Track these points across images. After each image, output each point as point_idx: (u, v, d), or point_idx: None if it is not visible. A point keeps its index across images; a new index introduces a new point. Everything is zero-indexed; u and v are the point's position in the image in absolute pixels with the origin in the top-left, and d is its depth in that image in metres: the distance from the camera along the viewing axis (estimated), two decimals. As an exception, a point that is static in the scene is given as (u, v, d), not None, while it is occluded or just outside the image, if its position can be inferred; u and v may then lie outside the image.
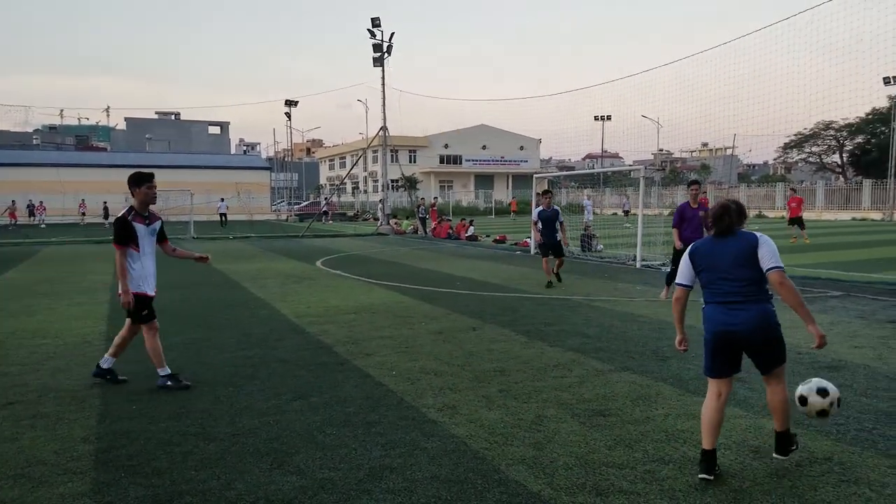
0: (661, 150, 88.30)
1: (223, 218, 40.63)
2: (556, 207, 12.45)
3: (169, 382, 5.62)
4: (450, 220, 30.36)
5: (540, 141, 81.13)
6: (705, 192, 9.81)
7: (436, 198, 40.89)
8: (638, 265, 15.10)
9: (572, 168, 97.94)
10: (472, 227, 26.60)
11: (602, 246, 19.08)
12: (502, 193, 69.88)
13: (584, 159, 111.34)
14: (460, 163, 76.00)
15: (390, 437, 4.42)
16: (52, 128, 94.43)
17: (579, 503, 3.42)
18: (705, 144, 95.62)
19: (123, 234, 5.54)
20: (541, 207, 12.45)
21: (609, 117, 76.73)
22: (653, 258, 15.54)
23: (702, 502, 3.41)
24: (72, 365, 6.50)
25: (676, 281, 4.03)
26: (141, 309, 5.62)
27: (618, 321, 8.47)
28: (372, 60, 33.84)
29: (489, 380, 5.79)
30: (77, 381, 5.91)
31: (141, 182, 5.60)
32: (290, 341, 7.51)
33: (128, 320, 5.75)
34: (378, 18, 33.19)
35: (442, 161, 75.57)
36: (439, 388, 5.56)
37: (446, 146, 75.77)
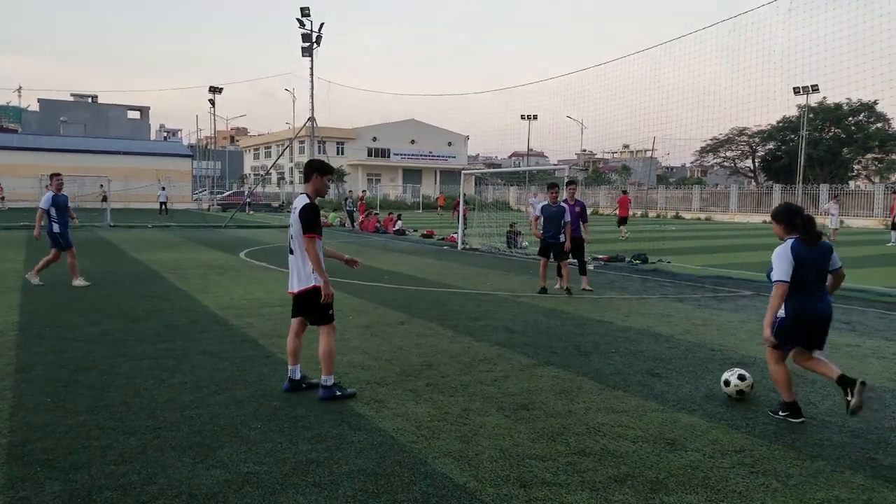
0: (585, 150, 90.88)
1: (163, 206, 38.84)
2: (562, 204, 10.86)
3: (338, 392, 5.10)
4: (377, 214, 30.21)
5: (468, 138, 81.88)
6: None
7: (364, 191, 40.60)
8: (561, 263, 15.52)
9: (499, 165, 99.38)
10: (399, 222, 26.59)
11: (527, 243, 19.51)
12: (430, 188, 70.15)
13: (510, 157, 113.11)
14: (388, 156, 75.71)
15: (317, 430, 4.41)
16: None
17: (504, 495, 3.53)
18: (626, 146, 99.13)
19: (317, 222, 5.01)
20: (545, 202, 11.11)
21: (535, 116, 78.25)
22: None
23: (621, 493, 3.58)
24: (-23, 357, 6.10)
25: (782, 279, 4.58)
26: (328, 307, 5.09)
27: (542, 317, 8.72)
28: (301, 50, 33.22)
29: (417, 374, 5.85)
30: (-17, 373, 5.56)
31: (325, 172, 5.21)
32: (213, 334, 7.32)
33: (323, 327, 5.13)
34: (308, 8, 32.57)
35: (370, 154, 75.03)
36: (367, 381, 5.58)
37: (375, 139, 75.28)
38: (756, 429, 4.62)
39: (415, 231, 26.35)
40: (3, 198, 39.68)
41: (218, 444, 4.13)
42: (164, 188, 41.24)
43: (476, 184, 45.53)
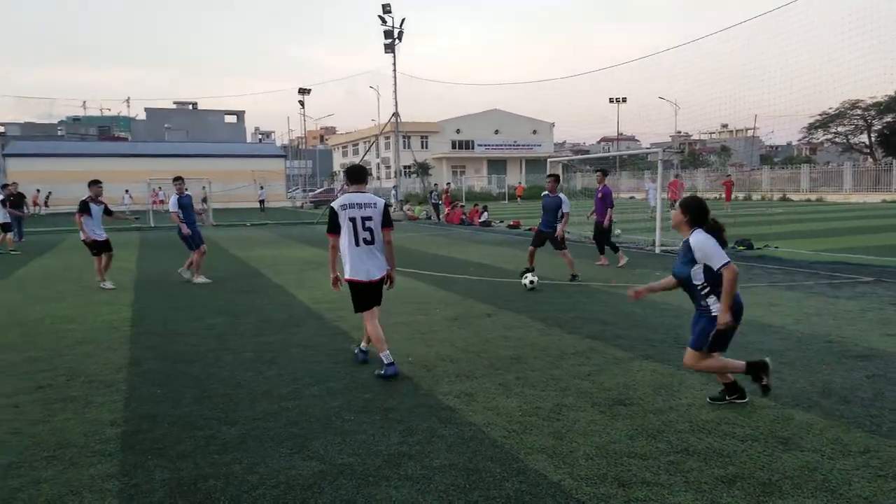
0: (679, 132, 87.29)
1: (262, 204, 42.04)
2: (560, 195, 10.93)
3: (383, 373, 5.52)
4: (463, 206, 30.29)
5: (553, 125, 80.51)
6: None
7: (448, 183, 40.79)
8: (657, 250, 14.97)
9: (587, 152, 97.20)
10: (485, 213, 26.53)
11: (619, 231, 18.94)
12: (516, 178, 69.57)
13: (599, 142, 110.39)
14: (472, 148, 75.69)
15: (408, 423, 4.44)
16: (75, 119, 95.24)
17: (601, 494, 3.41)
18: (725, 126, 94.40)
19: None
20: (546, 192, 11.31)
21: (624, 99, 75.98)
22: (673, 243, 15.40)
23: (730, 495, 3.37)
24: (99, 350, 6.59)
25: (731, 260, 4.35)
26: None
27: (637, 308, 8.41)
28: (383, 47, 33.73)
29: (506, 367, 5.78)
30: (104, 365, 6.00)
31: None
32: (308, 327, 7.56)
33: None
34: (389, 5, 33.02)
35: (454, 146, 75.30)
36: (455, 374, 5.57)
37: (458, 131, 75.45)
38: (883, 427, 4.23)
39: (500, 222, 26.21)
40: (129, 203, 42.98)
41: (313, 436, 4.23)
42: (262, 187, 43.76)
43: (563, 171, 44.73)
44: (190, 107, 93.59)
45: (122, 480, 3.62)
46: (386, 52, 33.89)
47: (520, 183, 56.95)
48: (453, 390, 5.14)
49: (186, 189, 11.46)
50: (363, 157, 46.67)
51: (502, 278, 11.30)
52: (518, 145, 76.47)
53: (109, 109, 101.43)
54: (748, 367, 4.58)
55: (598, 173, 13.34)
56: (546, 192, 11.18)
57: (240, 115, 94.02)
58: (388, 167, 68.55)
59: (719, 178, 54.32)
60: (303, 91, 62.28)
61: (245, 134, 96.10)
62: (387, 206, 5.84)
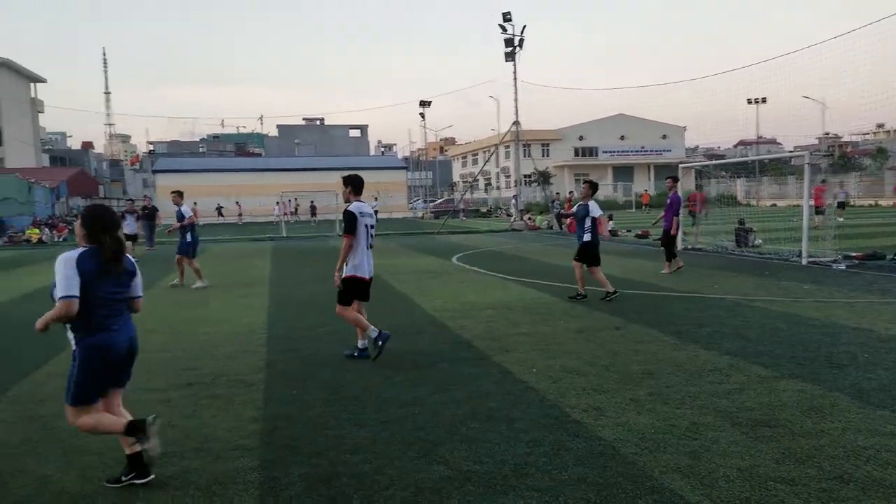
0: (828, 133, 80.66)
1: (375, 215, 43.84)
2: (586, 203, 10.12)
3: (355, 354, 6.63)
4: (588, 216, 29.70)
5: (685, 128, 77.19)
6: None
7: (571, 192, 40.22)
8: (804, 261, 13.93)
9: (722, 156, 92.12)
10: (611, 222, 25.88)
11: (760, 241, 17.80)
12: (643, 185, 67.29)
13: (736, 146, 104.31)
14: (596, 155, 74.09)
15: (534, 434, 4.43)
16: (215, 137, 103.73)
17: (743, 516, 3.23)
18: (881, 126, 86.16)
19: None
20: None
21: (764, 100, 71.33)
22: (822, 254, 14.26)
23: (890, 526, 3.09)
24: (239, 352, 7.14)
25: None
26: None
27: (782, 323, 7.87)
28: (504, 55, 33.93)
29: (637, 382, 5.61)
30: (244, 366, 6.49)
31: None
32: (429, 335, 7.74)
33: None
34: (509, 13, 33.22)
35: (577, 154, 74.10)
36: (582, 388, 5.48)
37: (581, 138, 74.20)
38: None
39: (627, 231, 25.46)
40: (240, 215, 46.18)
41: (439, 441, 4.34)
42: (376, 198, 45.41)
43: (696, 178, 42.72)
44: (318, 122, 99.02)
45: (262, 474, 3.90)
46: (507, 61, 34.11)
47: (646, 191, 55.02)
48: (581, 404, 5.07)
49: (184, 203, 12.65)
50: (483, 166, 47.12)
51: (632, 290, 10.98)
52: (646, 151, 73.99)
53: (244, 127, 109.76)
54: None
55: (668, 180, 13.73)
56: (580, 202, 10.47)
57: (363, 129, 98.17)
58: (508, 176, 68.71)
59: (874, 182, 49.61)
60: (423, 103, 63.95)
61: (368, 147, 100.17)
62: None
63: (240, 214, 46.36)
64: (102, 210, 3.89)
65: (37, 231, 31.04)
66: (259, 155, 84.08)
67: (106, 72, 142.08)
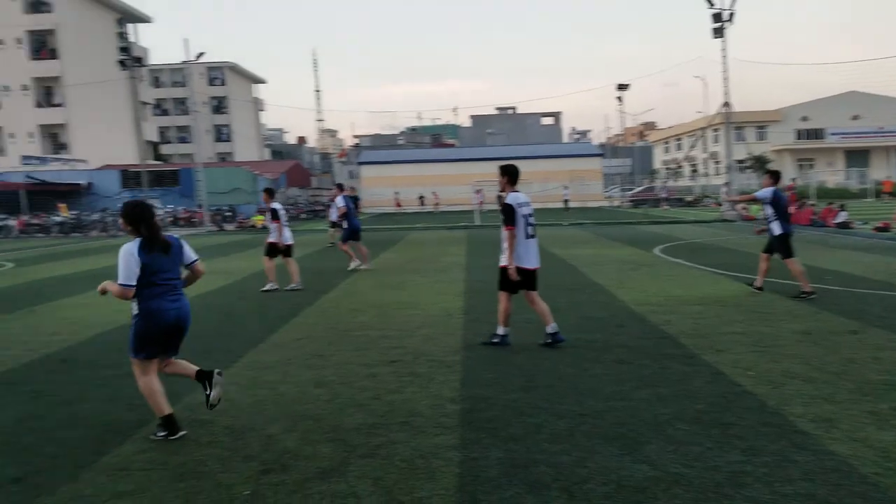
0: None
1: (566, 203, 43.85)
2: (773, 189, 9.38)
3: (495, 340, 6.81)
4: (813, 205, 26.73)
5: (942, 105, 66.16)
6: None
7: (794, 179, 36.46)
8: None
9: None
10: (843, 213, 23.03)
11: None
12: (882, 172, 58.94)
13: None
14: (823, 137, 66.32)
15: (751, 442, 4.09)
16: (412, 129, 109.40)
17: None
18: None
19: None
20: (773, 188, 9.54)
21: None
22: None
23: None
24: (437, 333, 7.48)
25: None
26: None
27: None
28: (712, 31, 31.56)
29: (878, 394, 4.94)
30: (443, 347, 6.79)
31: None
32: (631, 329, 7.48)
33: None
34: (717, -16, 30.73)
35: (799, 136, 66.93)
36: (810, 396, 4.95)
37: (804, 119, 66.83)
38: None
39: (864, 224, 22.50)
40: (437, 203, 48.17)
41: (644, 440, 4.17)
42: (566, 187, 45.22)
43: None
44: (510, 111, 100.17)
45: (462, 452, 4.04)
46: (715, 37, 31.72)
47: (888, 177, 48.18)
48: (808, 413, 4.58)
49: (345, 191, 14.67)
50: (688, 151, 44.46)
51: (870, 290, 9.70)
52: (885, 132, 64.76)
53: (440, 119, 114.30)
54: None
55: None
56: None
57: (556, 116, 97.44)
58: (718, 162, 64.14)
59: None
60: (621, 87, 61.76)
61: (561, 135, 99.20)
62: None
63: (436, 203, 48.50)
64: (136, 205, 4.51)
65: (261, 218, 35.09)
66: (453, 145, 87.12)
67: (316, 72, 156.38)
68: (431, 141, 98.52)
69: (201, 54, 36.31)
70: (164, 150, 68.65)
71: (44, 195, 37.81)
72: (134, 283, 4.28)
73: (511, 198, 6.60)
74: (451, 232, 27.17)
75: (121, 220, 4.52)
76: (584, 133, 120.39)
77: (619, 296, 9.71)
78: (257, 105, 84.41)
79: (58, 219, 33.37)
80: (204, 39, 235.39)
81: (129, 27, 52.57)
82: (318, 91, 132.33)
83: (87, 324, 8.56)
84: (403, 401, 5.08)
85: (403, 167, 56.07)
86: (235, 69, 78.26)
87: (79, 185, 40.07)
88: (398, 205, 48.51)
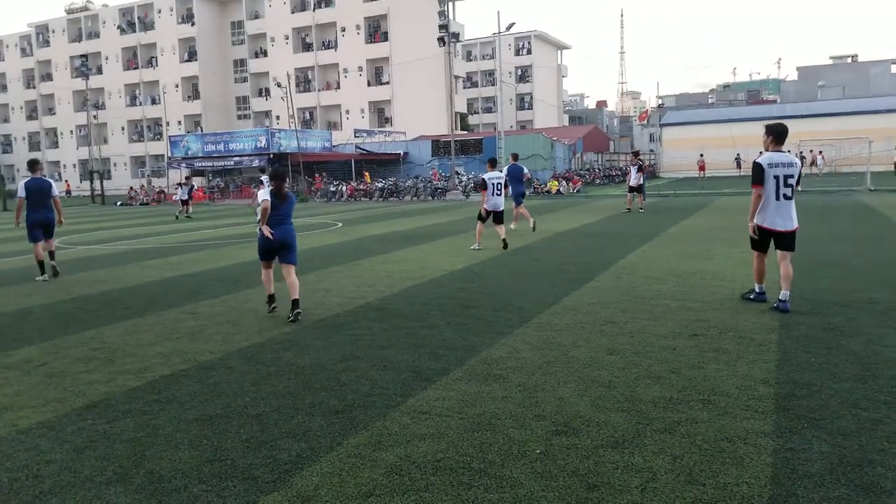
0: None
1: None
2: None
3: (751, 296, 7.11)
4: None
5: None
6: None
7: None
8: None
9: None
10: None
11: None
12: None
13: None
14: None
15: None
16: (725, 86, 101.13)
17: None
18: None
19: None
20: None
21: None
22: None
23: None
24: (748, 308, 6.84)
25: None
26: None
27: None
28: None
29: None
30: (754, 323, 6.17)
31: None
32: None
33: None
34: None
35: None
36: None
37: None
38: None
39: None
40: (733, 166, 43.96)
41: None
42: None
43: None
44: (849, 60, 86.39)
45: (776, 441, 3.62)
46: None
47: None
48: None
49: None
50: None
51: None
52: None
53: (759, 73, 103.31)
54: None
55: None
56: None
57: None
58: None
59: None
60: None
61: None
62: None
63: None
64: (278, 170, 7.54)
65: (555, 183, 35.77)
66: (773, 102, 78.27)
67: (622, 31, 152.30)
68: (747, 98, 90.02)
69: (511, 25, 37.91)
70: (471, 120, 73.67)
71: (369, 164, 43.48)
72: (269, 200, 7.06)
73: (765, 157, 6.64)
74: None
75: (275, 181, 7.26)
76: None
77: None
78: (560, 72, 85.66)
79: (379, 185, 38.03)
80: (514, 10, 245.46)
81: (449, 5, 57.23)
82: (622, 52, 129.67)
83: (399, 278, 9.61)
84: (705, 377, 4.72)
85: (711, 127, 52.17)
86: (542, 37, 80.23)
87: (397, 154, 45.08)
88: (701, 168, 45.40)
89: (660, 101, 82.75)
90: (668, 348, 5.50)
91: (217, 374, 5.32)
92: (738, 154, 46.23)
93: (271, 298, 7.50)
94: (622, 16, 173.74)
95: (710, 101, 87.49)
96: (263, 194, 7.11)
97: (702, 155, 46.70)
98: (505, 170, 15.80)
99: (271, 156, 42.06)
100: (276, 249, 7.19)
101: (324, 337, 6.36)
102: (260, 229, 7.25)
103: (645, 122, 78.12)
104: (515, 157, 14.67)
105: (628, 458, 3.51)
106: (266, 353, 5.89)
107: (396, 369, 5.24)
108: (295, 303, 7.01)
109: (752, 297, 7.13)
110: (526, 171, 16.97)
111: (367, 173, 41.04)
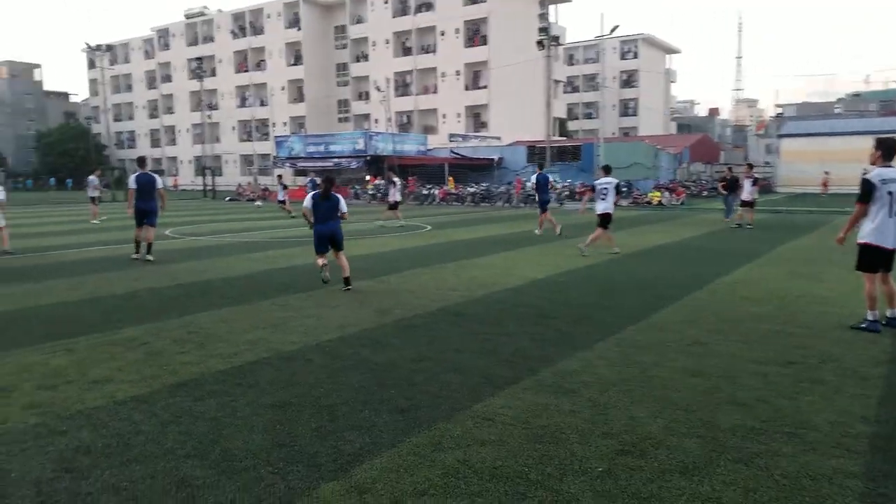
0: None
1: None
2: None
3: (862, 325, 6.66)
4: None
5: None
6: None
7: None
8: None
9: None
10: None
11: None
12: None
13: None
14: None
15: None
16: (855, 95, 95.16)
17: None
18: None
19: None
20: None
21: None
22: None
23: None
24: (857, 338, 6.39)
25: None
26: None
27: None
28: None
29: None
30: (860, 355, 5.75)
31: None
32: None
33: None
34: None
35: None
36: None
37: None
38: None
39: None
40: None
41: None
42: None
43: None
44: None
45: (866, 484, 3.37)
46: None
47: None
48: None
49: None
50: None
51: None
52: None
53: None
54: None
55: None
56: None
57: None
58: None
59: None
60: None
61: None
62: None
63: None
64: (328, 176, 9.42)
65: (658, 194, 34.69)
66: (910, 113, 72.66)
67: (740, 35, 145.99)
68: (880, 109, 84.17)
69: (615, 28, 37.22)
70: (570, 126, 72.75)
71: (462, 168, 43.74)
72: (310, 207, 8.97)
73: (875, 173, 6.50)
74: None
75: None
76: None
77: None
78: (668, 77, 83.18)
79: (471, 190, 38.19)
80: (620, 13, 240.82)
81: (550, 8, 56.84)
82: (739, 57, 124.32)
83: (480, 283, 9.62)
84: (795, 409, 4.45)
85: (836, 140, 49.12)
86: (649, 41, 78.26)
87: (491, 159, 45.12)
88: (824, 185, 42.71)
89: (779, 110, 78.77)
90: (758, 374, 5.22)
91: (296, 364, 5.58)
92: (864, 170, 43.23)
93: (323, 267, 9.29)
94: (740, 20, 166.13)
95: (835, 110, 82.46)
96: (307, 199, 9.07)
97: (827, 172, 43.98)
98: (534, 178, 17.65)
99: (368, 158, 43.15)
100: (326, 243, 9.12)
101: (401, 336, 6.49)
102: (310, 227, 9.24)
103: (762, 131, 74.57)
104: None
105: (696, 485, 3.36)
106: (344, 347, 6.08)
107: (467, 374, 5.26)
108: (346, 280, 9.12)
109: (863, 325, 6.68)
110: (552, 178, 18.56)
111: (451, 178, 41.24)
